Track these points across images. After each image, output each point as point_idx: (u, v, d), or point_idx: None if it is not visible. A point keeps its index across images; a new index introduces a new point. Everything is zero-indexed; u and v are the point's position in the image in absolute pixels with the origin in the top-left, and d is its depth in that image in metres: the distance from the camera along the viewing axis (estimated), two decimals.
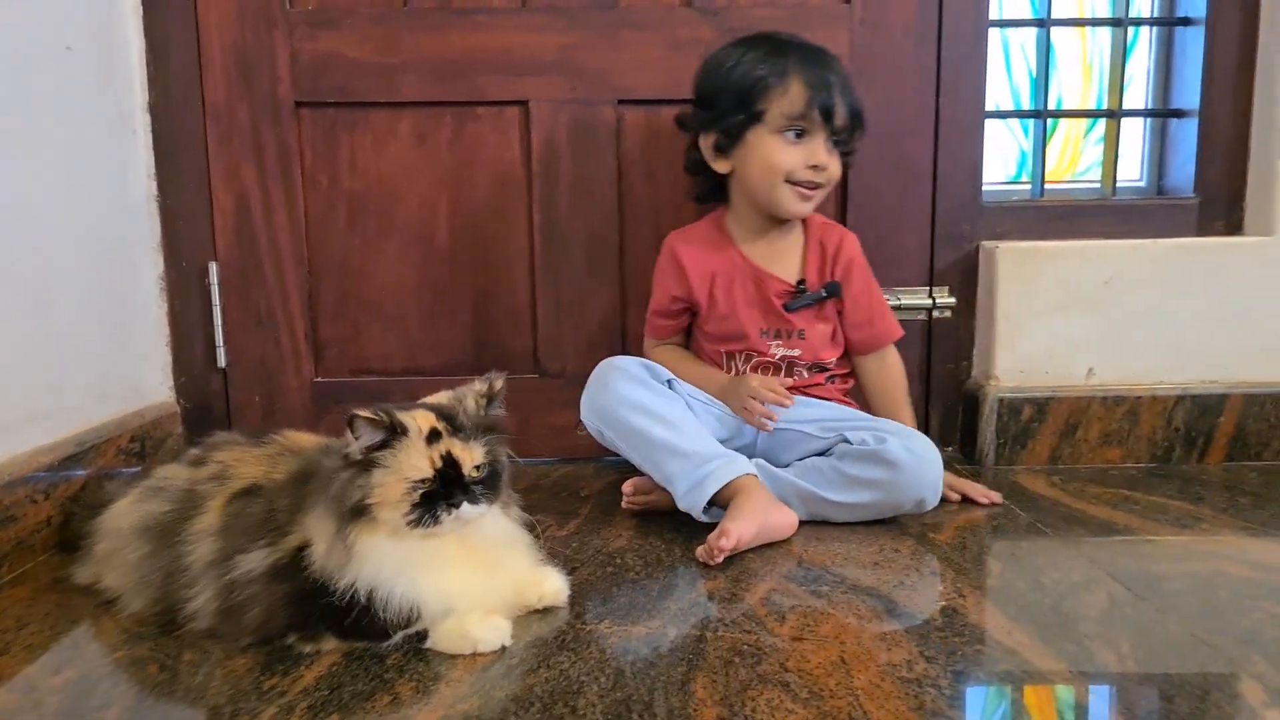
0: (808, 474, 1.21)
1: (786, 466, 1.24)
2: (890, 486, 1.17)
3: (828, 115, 1.23)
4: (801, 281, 1.33)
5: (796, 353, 1.33)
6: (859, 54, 1.48)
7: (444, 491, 0.83)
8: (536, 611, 0.93)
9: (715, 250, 1.35)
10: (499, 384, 0.92)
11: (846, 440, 1.22)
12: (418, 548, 0.83)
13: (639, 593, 0.99)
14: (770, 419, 1.24)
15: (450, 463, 0.83)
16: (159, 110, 1.45)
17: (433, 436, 0.83)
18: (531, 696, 0.76)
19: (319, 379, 1.55)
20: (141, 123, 1.43)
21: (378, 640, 0.85)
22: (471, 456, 0.84)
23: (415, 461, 0.82)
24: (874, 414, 1.34)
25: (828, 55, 1.28)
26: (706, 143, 1.31)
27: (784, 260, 1.35)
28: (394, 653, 0.85)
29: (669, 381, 1.27)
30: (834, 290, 1.32)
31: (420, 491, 0.82)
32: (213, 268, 1.49)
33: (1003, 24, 1.60)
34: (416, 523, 0.82)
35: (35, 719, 0.74)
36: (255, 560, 0.86)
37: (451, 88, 1.48)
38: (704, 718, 0.73)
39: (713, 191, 1.37)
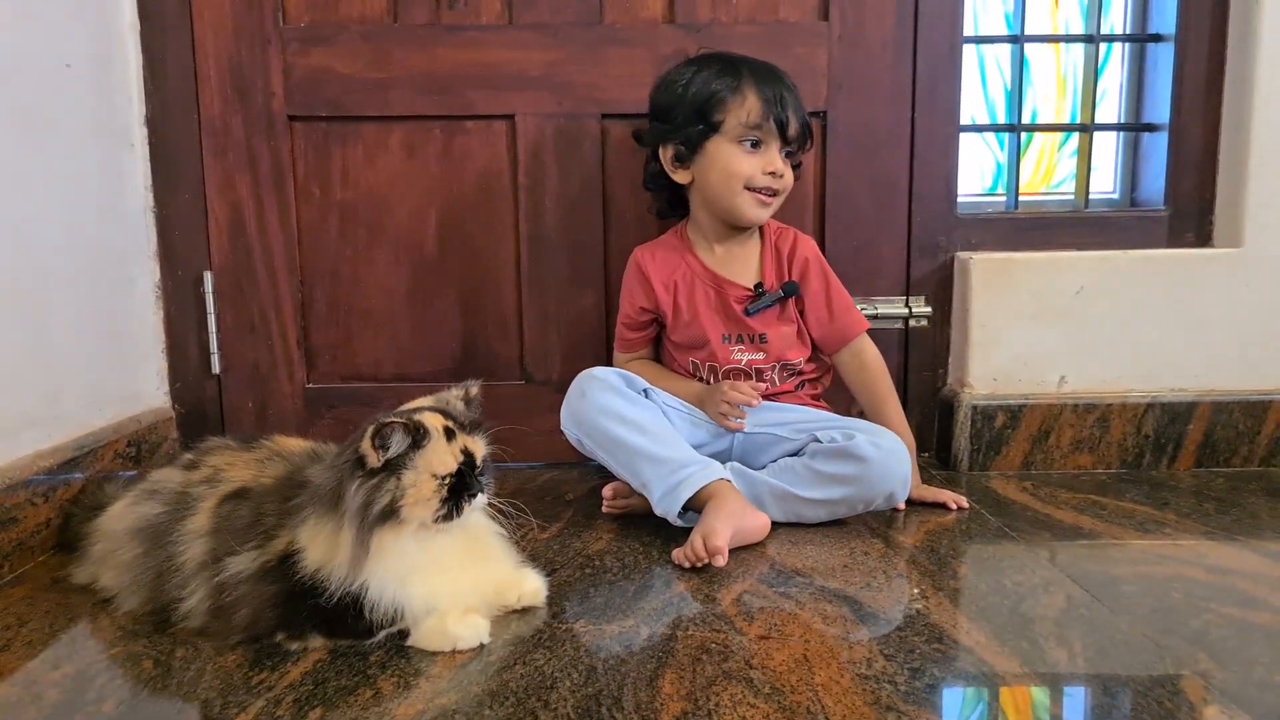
0: (781, 473, 1.25)
1: (761, 469, 1.28)
2: (860, 481, 1.22)
3: (782, 127, 1.30)
4: (759, 285, 1.37)
5: (761, 356, 1.37)
6: (837, 70, 1.52)
7: (464, 483, 0.88)
8: (515, 611, 0.97)
9: (677, 259, 1.40)
10: (475, 390, 0.98)
11: (817, 439, 1.26)
12: (422, 546, 0.88)
13: (615, 593, 1.03)
14: (741, 417, 1.30)
15: (468, 456, 0.89)
16: (156, 124, 1.49)
17: (449, 434, 0.89)
18: (507, 691, 0.80)
19: (311, 385, 1.59)
20: (139, 136, 1.47)
21: (362, 638, 0.89)
22: (480, 449, 0.91)
23: (443, 458, 0.87)
24: (863, 409, 1.41)
25: (779, 72, 1.34)
26: (666, 154, 1.36)
27: (742, 266, 1.40)
28: (377, 650, 0.88)
29: (645, 390, 1.31)
30: (791, 290, 1.37)
31: (447, 486, 0.87)
32: (207, 276, 1.53)
33: (978, 40, 1.65)
34: (445, 516, 0.87)
35: (35, 712, 0.78)
36: (244, 562, 0.90)
37: (440, 102, 1.52)
38: (669, 711, 0.76)
39: (673, 205, 1.44)
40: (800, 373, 1.40)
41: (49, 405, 1.22)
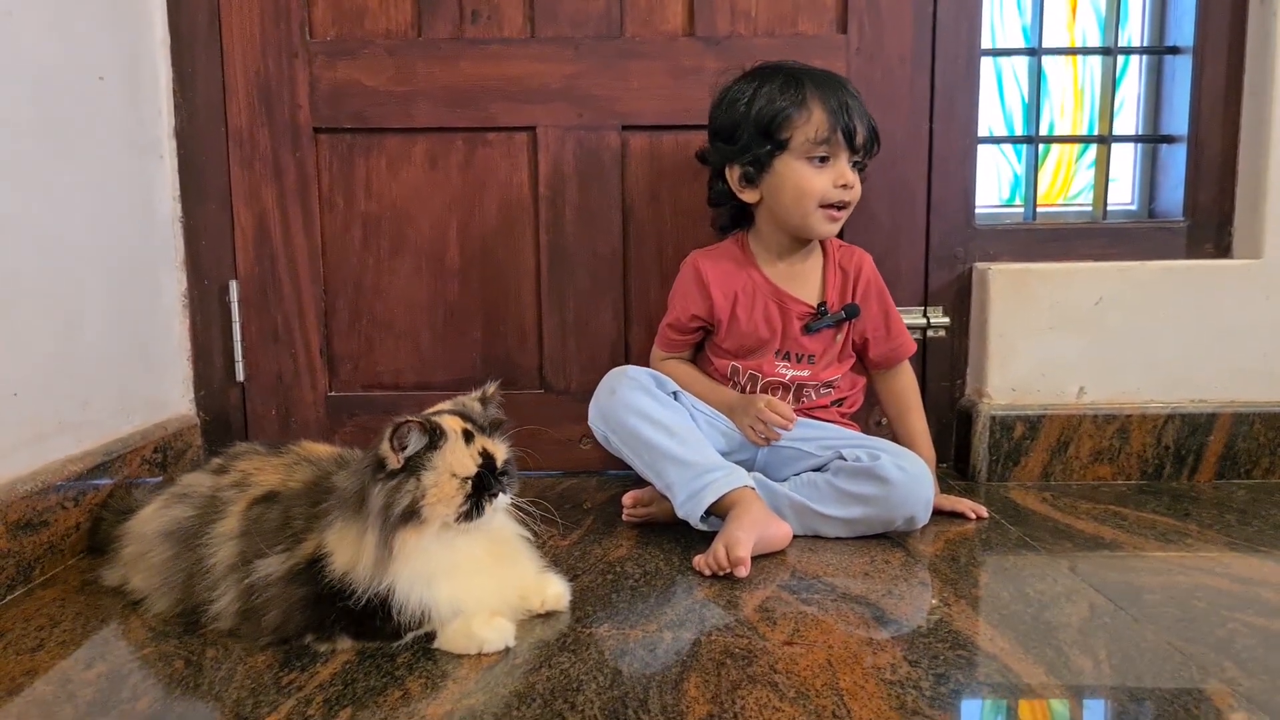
0: (803, 488, 1.25)
1: (783, 481, 1.29)
2: (882, 502, 1.21)
3: (850, 137, 1.28)
4: (823, 304, 1.36)
5: (805, 373, 1.36)
6: (855, 82, 1.51)
7: (485, 483, 0.89)
8: (539, 615, 0.98)
9: (738, 270, 1.38)
10: (492, 389, 0.99)
11: (842, 457, 1.27)
12: (446, 549, 0.89)
13: (638, 599, 1.03)
14: (774, 439, 1.29)
15: (487, 458, 0.90)
16: (184, 135, 1.52)
17: (467, 436, 0.90)
18: (533, 693, 0.81)
19: (333, 393, 1.60)
20: (168, 147, 1.50)
21: (390, 640, 0.90)
22: (500, 451, 0.92)
23: (462, 459, 0.89)
24: (891, 426, 1.44)
25: (840, 80, 1.32)
26: (733, 175, 1.35)
27: (804, 282, 1.38)
28: (404, 652, 0.89)
29: (675, 393, 1.32)
30: (853, 312, 1.36)
31: (470, 486, 0.88)
32: (233, 285, 1.56)
33: (996, 53, 1.66)
34: (467, 516, 0.88)
35: (71, 710, 0.79)
36: (273, 565, 0.91)
37: (463, 114, 1.54)
38: (694, 714, 0.77)
39: (737, 220, 1.42)
40: (836, 390, 1.40)
41: (79, 411, 1.24)
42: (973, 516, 1.32)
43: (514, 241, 1.59)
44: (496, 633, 0.89)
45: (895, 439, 1.39)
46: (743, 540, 1.11)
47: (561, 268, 1.58)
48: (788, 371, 1.37)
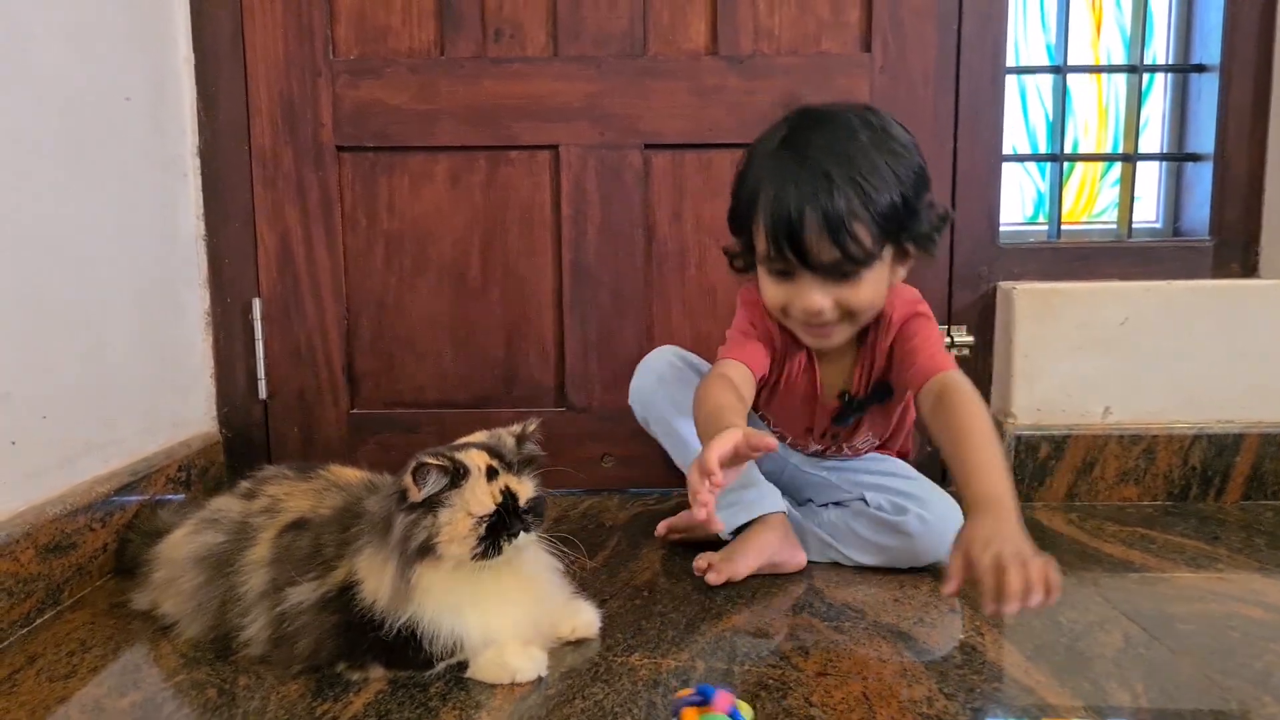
0: (827, 526, 1.23)
1: (806, 502, 1.28)
2: (904, 553, 1.17)
3: (802, 257, 1.03)
4: (845, 393, 1.20)
5: (834, 446, 1.28)
6: (879, 101, 1.53)
7: (504, 523, 0.88)
8: (569, 643, 0.98)
9: (786, 333, 1.18)
10: (533, 427, 0.96)
11: (864, 500, 1.22)
12: (470, 580, 0.88)
13: (668, 626, 1.03)
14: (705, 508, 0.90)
15: (509, 496, 0.89)
16: (208, 155, 1.52)
17: (490, 474, 0.89)
18: None
19: (355, 410, 1.61)
20: (192, 166, 1.50)
21: (422, 670, 0.90)
22: (525, 490, 0.90)
23: (480, 498, 0.87)
24: (943, 453, 1.04)
25: (830, 168, 1.00)
26: (731, 246, 1.19)
27: (838, 366, 1.20)
28: (436, 682, 0.89)
29: None
30: (883, 394, 1.19)
31: (485, 525, 0.87)
32: (256, 304, 1.56)
33: (1020, 71, 1.65)
34: (482, 555, 0.87)
35: None
36: (304, 593, 0.91)
37: (485, 133, 1.55)
38: None
39: None
40: (868, 445, 1.29)
41: (106, 430, 1.24)
42: (990, 608, 0.83)
43: (536, 260, 1.59)
44: (530, 662, 0.89)
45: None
46: (745, 563, 1.13)
47: (583, 286, 1.58)
48: (812, 444, 1.29)
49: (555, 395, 1.62)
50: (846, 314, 1.08)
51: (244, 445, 1.58)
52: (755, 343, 1.17)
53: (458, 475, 0.87)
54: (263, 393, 1.58)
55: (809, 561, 1.21)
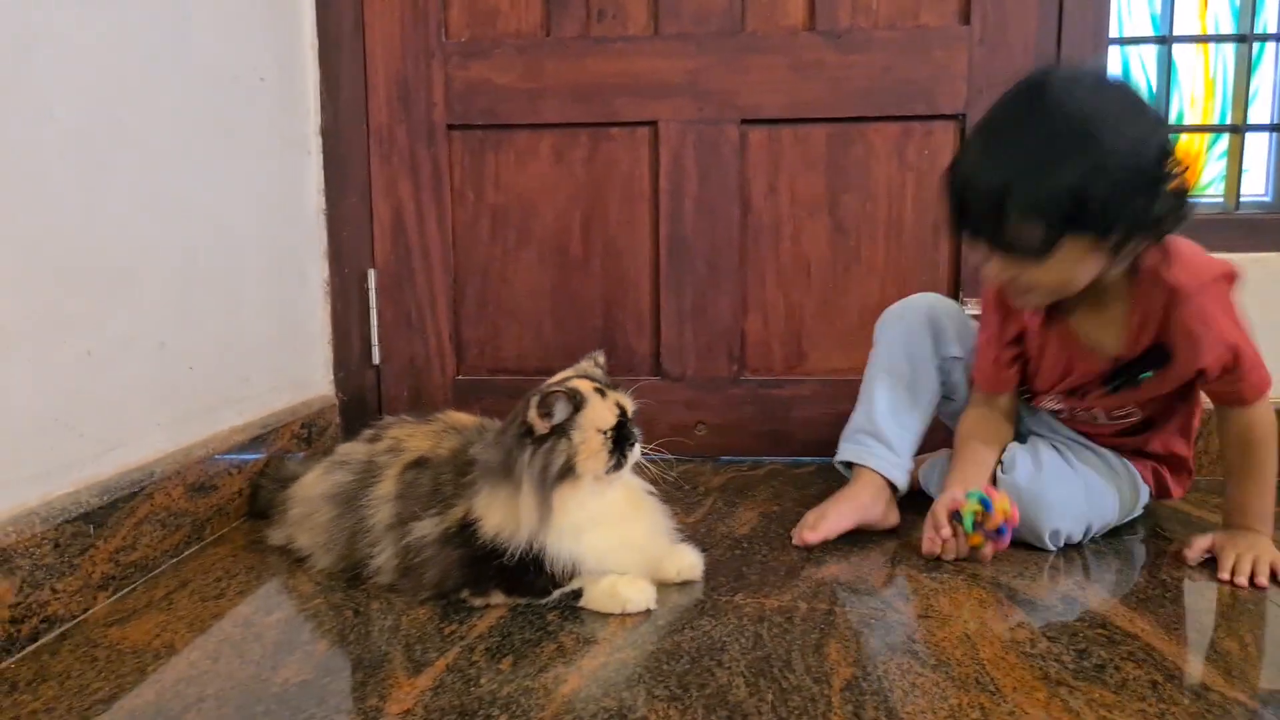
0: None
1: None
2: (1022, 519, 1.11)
3: (971, 228, 1.02)
4: (1118, 361, 1.11)
5: (1086, 411, 1.21)
6: (978, 73, 1.53)
7: (625, 434, 0.95)
8: (674, 584, 1.02)
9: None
10: (601, 357, 1.07)
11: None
12: (598, 500, 0.95)
13: (769, 572, 1.07)
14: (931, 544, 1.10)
15: (621, 410, 0.96)
16: (329, 132, 1.61)
17: (600, 394, 0.96)
18: (680, 651, 0.85)
19: (461, 376, 1.68)
20: (315, 144, 1.60)
21: (539, 597, 0.96)
22: (628, 403, 0.98)
23: (603, 414, 0.95)
24: (1223, 466, 1.14)
25: (1017, 143, 0.97)
26: None
27: (1100, 324, 1.11)
28: (552, 610, 0.95)
29: (945, 361, 1.28)
30: (1161, 360, 1.08)
31: (612, 438, 0.94)
32: (371, 274, 1.65)
33: (1123, 41, 1.63)
34: (616, 466, 0.94)
35: (260, 648, 0.87)
36: (427, 527, 0.98)
37: (588, 109, 1.60)
38: (840, 675, 0.80)
39: None
40: (1129, 420, 1.21)
41: (241, 386, 1.34)
42: (1226, 578, 1.03)
43: (634, 232, 1.64)
44: (641, 593, 0.94)
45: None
46: (829, 522, 1.16)
47: (680, 258, 1.63)
48: (1052, 404, 1.22)
49: (651, 364, 1.67)
50: (1034, 287, 1.04)
51: (357, 408, 1.67)
52: (989, 364, 1.21)
53: (579, 400, 0.93)
54: (375, 358, 1.67)
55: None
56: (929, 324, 1.28)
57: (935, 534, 1.09)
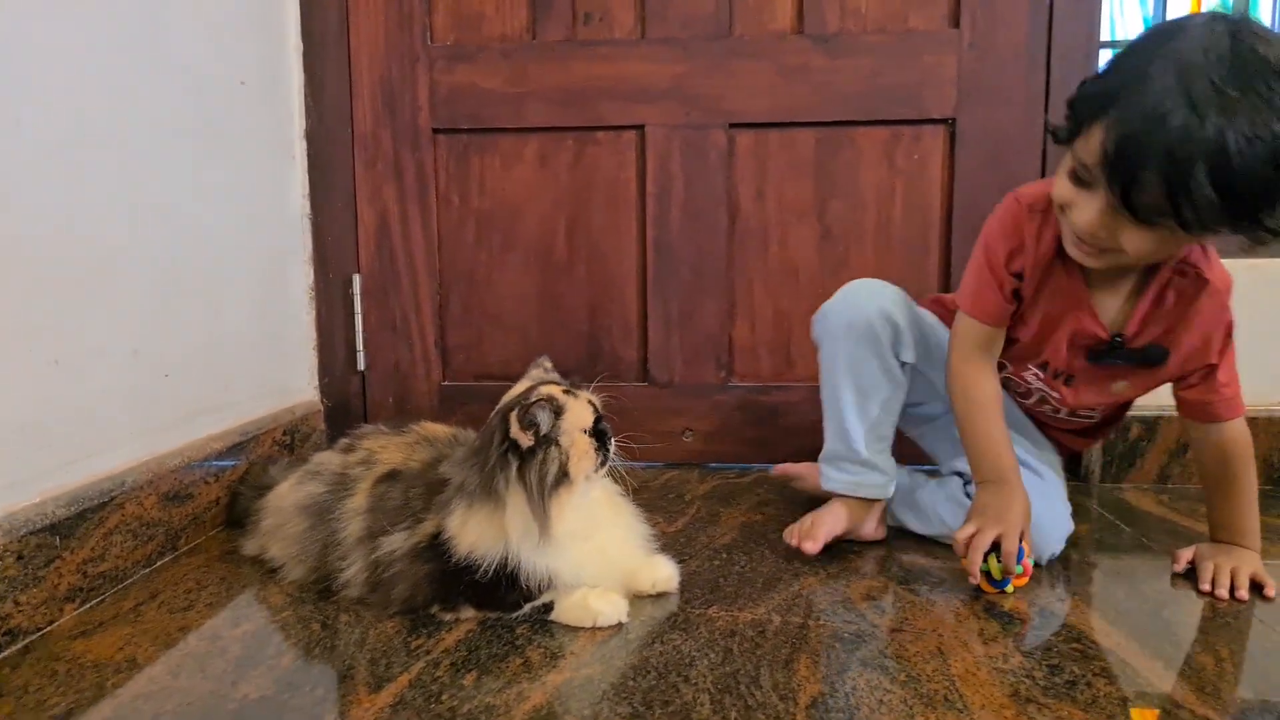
0: (937, 495, 1.22)
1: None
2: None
3: (1122, 187, 0.87)
4: (1119, 337, 1.07)
5: (1056, 395, 1.16)
6: (967, 77, 1.52)
7: (603, 428, 0.96)
8: (649, 596, 1.01)
9: (1052, 241, 1.05)
10: (549, 361, 1.06)
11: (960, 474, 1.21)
12: (579, 508, 0.94)
13: (745, 584, 1.05)
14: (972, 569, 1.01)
15: (594, 406, 0.96)
16: (314, 136, 1.60)
17: (572, 395, 0.95)
18: (648, 666, 0.84)
19: (445, 382, 1.67)
20: (299, 148, 1.59)
21: (509, 611, 0.94)
22: (596, 399, 0.97)
23: (582, 414, 0.94)
24: (1201, 482, 1.15)
25: (1217, 116, 0.81)
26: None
27: (1113, 291, 1.06)
28: (521, 625, 0.94)
29: (903, 365, 1.19)
30: (1155, 358, 1.07)
31: (595, 435, 0.94)
32: (356, 279, 1.64)
33: (1115, 45, 1.62)
34: (603, 462, 0.95)
35: (223, 662, 0.86)
36: (397, 541, 0.97)
37: (573, 114, 1.59)
38: (806, 692, 0.79)
39: None
40: (1087, 419, 1.22)
41: (221, 393, 1.33)
42: (1206, 589, 1.03)
43: (620, 238, 1.63)
44: (612, 607, 0.93)
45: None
46: (825, 527, 1.13)
47: (666, 264, 1.61)
48: (1035, 382, 1.17)
49: (638, 370, 1.66)
50: (1119, 251, 0.94)
51: (342, 414, 1.66)
52: (988, 290, 1.10)
53: (558, 407, 0.93)
54: (360, 364, 1.66)
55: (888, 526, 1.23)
56: (886, 323, 1.18)
57: (967, 566, 1.01)
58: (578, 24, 1.58)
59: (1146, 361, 1.07)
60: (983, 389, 1.11)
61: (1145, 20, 1.60)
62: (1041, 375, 1.16)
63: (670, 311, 1.63)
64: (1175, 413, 1.45)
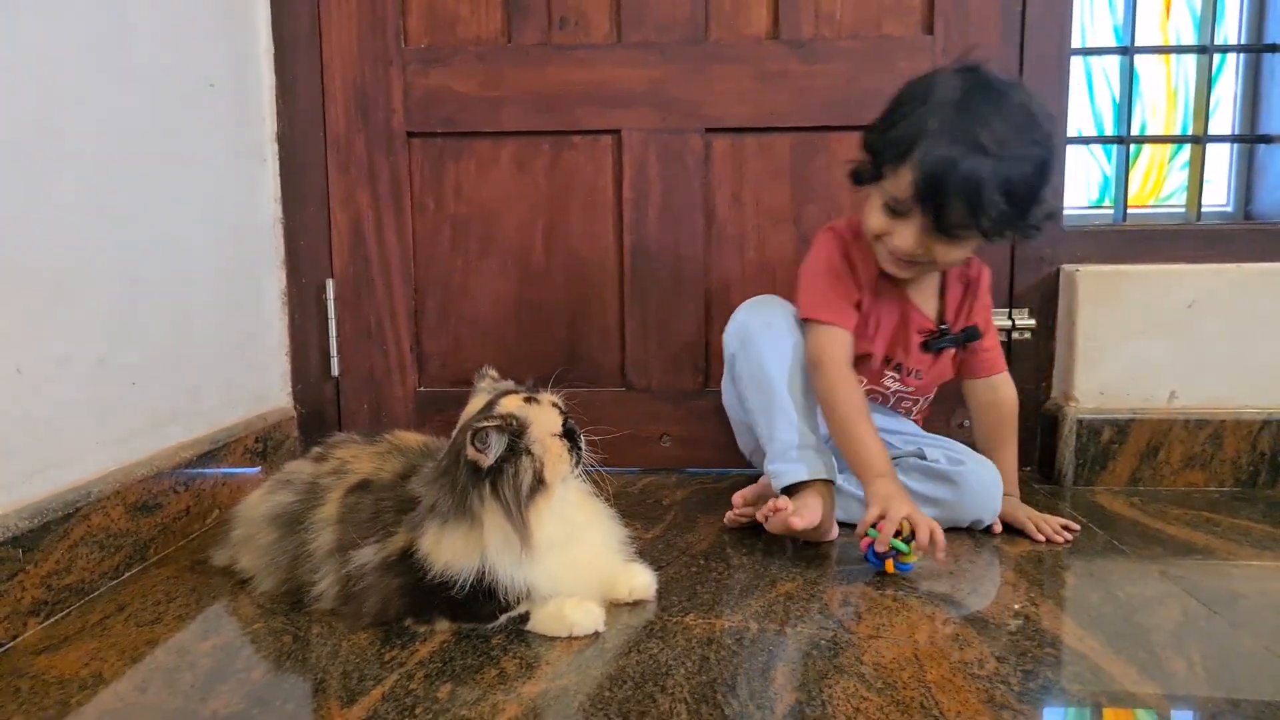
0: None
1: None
2: (953, 506, 1.24)
3: (935, 214, 1.11)
4: (944, 325, 1.30)
5: (910, 389, 1.34)
6: None
7: (572, 428, 0.96)
8: (626, 604, 1.00)
9: (873, 263, 1.25)
10: (493, 370, 1.07)
11: (922, 456, 1.27)
12: (555, 515, 0.93)
13: (723, 591, 1.05)
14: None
15: (558, 407, 0.96)
16: (285, 140, 1.59)
17: (533, 401, 0.95)
18: (624, 675, 0.83)
19: (422, 388, 1.66)
20: (270, 152, 1.57)
21: (485, 622, 0.93)
22: (559, 399, 0.97)
23: (550, 418, 0.94)
24: (978, 442, 1.35)
25: (995, 141, 1.06)
26: (860, 159, 1.22)
27: (927, 293, 1.31)
28: (497, 635, 0.93)
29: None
30: (973, 335, 1.30)
31: (565, 437, 0.94)
32: (329, 284, 1.62)
33: (1085, 52, 1.63)
34: (578, 463, 0.94)
35: (191, 677, 0.84)
36: (368, 554, 0.95)
37: (550, 118, 1.58)
38: (784, 701, 0.78)
39: None
40: (924, 404, 1.41)
41: (191, 401, 1.31)
42: (1041, 539, 1.23)
43: (598, 242, 1.62)
44: (588, 616, 0.92)
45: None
46: (805, 515, 1.13)
47: (644, 268, 1.61)
48: (894, 384, 1.34)
49: (616, 375, 1.65)
50: (930, 262, 1.18)
51: (316, 421, 1.65)
52: (841, 300, 1.24)
53: (519, 423, 0.92)
54: (334, 370, 1.64)
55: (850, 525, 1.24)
56: (794, 324, 1.27)
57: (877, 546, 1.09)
58: (553, 28, 1.57)
59: (968, 339, 1.30)
60: (858, 394, 1.22)
61: (1115, 29, 1.62)
62: (898, 376, 1.33)
63: (648, 316, 1.62)
64: (1147, 416, 1.48)
